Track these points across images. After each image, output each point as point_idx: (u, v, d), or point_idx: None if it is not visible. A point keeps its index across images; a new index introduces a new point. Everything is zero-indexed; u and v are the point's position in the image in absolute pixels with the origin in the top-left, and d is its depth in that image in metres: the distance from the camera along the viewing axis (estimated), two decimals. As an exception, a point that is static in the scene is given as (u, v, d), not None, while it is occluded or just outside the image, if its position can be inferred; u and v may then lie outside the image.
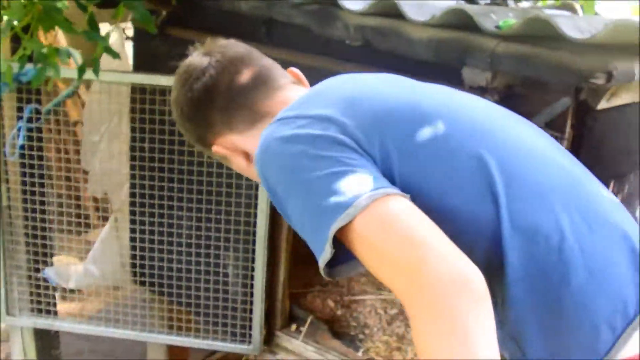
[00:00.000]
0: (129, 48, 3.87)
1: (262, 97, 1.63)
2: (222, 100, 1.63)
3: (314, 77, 3.04)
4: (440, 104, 1.46)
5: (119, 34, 3.65)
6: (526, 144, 1.43)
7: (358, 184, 1.26)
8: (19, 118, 3.36)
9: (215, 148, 1.67)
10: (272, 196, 1.39)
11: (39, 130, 3.40)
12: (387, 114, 1.39)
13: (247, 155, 1.63)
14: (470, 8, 2.53)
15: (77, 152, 4.09)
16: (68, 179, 3.60)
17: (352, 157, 1.31)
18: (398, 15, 2.66)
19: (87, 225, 3.81)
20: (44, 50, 2.70)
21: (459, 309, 1.11)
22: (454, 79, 2.51)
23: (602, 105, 2.49)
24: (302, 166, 1.31)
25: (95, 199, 3.87)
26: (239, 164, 1.67)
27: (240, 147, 1.64)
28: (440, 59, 2.56)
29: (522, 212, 1.31)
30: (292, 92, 1.65)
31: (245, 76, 1.64)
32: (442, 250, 1.17)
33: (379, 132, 1.36)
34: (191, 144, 1.81)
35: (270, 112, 1.58)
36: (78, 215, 3.70)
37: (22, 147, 3.37)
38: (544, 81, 2.49)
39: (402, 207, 1.24)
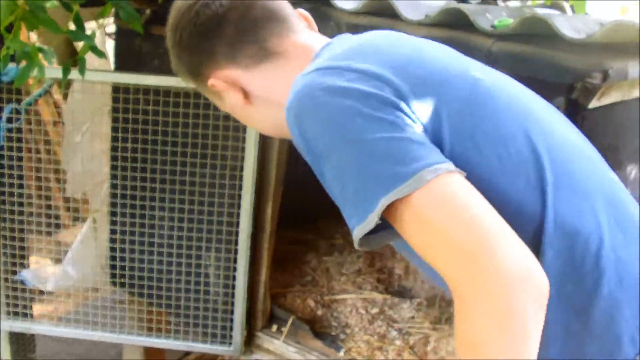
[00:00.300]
0: (109, 46, 3.82)
1: (274, 35, 1.52)
2: (231, 31, 1.51)
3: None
4: (494, 82, 1.41)
5: (100, 32, 3.60)
6: (571, 139, 1.41)
7: (417, 153, 1.19)
8: (-2, 118, 3.30)
9: (212, 81, 1.55)
10: (306, 150, 1.30)
11: (19, 130, 3.35)
12: (441, 84, 1.33)
13: (245, 94, 1.55)
14: (465, 7, 2.52)
15: (48, 151, 4.04)
16: (39, 179, 3.55)
17: (408, 124, 1.24)
18: (392, 14, 2.65)
19: (57, 226, 3.74)
20: (27, 50, 2.65)
21: (523, 307, 1.08)
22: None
23: (593, 104, 2.51)
24: (353, 124, 1.23)
25: (66, 199, 3.80)
26: (234, 103, 1.57)
27: (240, 83, 1.54)
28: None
29: (568, 211, 1.29)
30: (308, 36, 1.57)
31: (259, 10, 1.52)
32: (509, 240, 1.12)
33: (434, 102, 1.30)
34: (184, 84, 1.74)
35: (281, 53, 1.51)
36: (48, 216, 3.64)
37: (1, 147, 3.32)
38: (539, 80, 2.49)
39: (466, 187, 1.19)
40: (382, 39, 1.48)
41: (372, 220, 1.20)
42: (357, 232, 1.23)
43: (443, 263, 1.15)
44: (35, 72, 2.64)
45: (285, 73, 1.50)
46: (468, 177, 1.21)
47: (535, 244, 1.27)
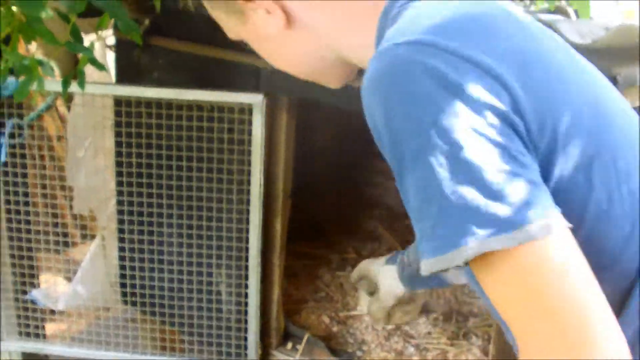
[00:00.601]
0: (110, 58, 3.79)
1: None
2: None
3: (302, 87, 2.97)
4: (612, 101, 1.21)
5: (100, 44, 3.58)
6: None
7: (528, 196, 0.99)
8: (0, 134, 3.27)
9: None
10: (388, 141, 1.07)
11: (22, 146, 3.32)
12: (563, 98, 1.10)
13: (288, 20, 1.31)
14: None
15: (54, 167, 4.02)
16: (45, 195, 3.51)
17: (521, 151, 1.03)
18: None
19: (66, 244, 3.70)
20: (26, 63, 2.62)
21: None
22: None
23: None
24: (461, 136, 1.00)
25: (74, 216, 3.78)
26: (268, 27, 1.33)
27: (287, 5, 1.30)
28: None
29: None
30: None
31: None
32: (609, 323, 0.97)
33: (552, 121, 1.07)
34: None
35: None
36: (57, 234, 3.59)
37: (4, 164, 3.29)
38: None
39: (574, 251, 1.00)
40: (496, 12, 1.17)
41: (453, 260, 1.01)
42: (430, 265, 1.04)
43: (525, 328, 1.00)
44: (35, 85, 2.62)
45: (349, 10, 1.30)
46: (569, 215, 1.03)
47: (623, 298, 1.14)
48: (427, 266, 1.05)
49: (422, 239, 1.06)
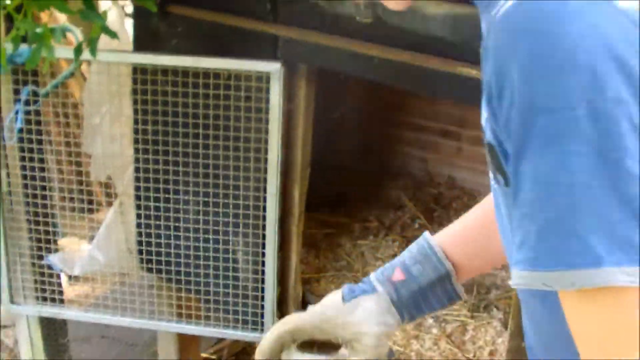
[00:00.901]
0: (129, 26, 3.74)
1: None
2: None
3: (321, 56, 2.92)
4: None
5: (118, 12, 3.52)
6: None
7: None
8: (16, 101, 3.24)
9: None
10: (517, 109, 0.87)
11: (37, 112, 3.29)
12: None
13: None
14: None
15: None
16: (70, 160, 3.49)
17: None
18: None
19: (91, 208, 3.69)
20: (39, 30, 2.57)
21: None
22: (470, 57, 2.37)
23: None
24: (623, 131, 0.82)
25: (100, 183, 3.75)
26: None
27: None
28: (457, 36, 2.42)
29: None
30: None
31: None
32: None
33: None
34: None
35: None
36: (82, 199, 3.58)
37: (20, 130, 3.26)
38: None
39: None
40: None
41: (560, 280, 0.86)
42: (523, 279, 0.91)
43: None
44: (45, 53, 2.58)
45: None
46: None
47: None
48: (520, 279, 0.92)
49: (524, 242, 0.90)
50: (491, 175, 1.08)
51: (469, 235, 1.58)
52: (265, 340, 1.51)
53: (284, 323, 1.52)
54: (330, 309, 1.51)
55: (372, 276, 1.55)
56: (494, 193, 1.17)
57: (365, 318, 1.47)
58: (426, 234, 1.58)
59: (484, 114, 1.02)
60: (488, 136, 1.00)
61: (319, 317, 1.50)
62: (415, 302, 1.52)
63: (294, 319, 1.52)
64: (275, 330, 1.51)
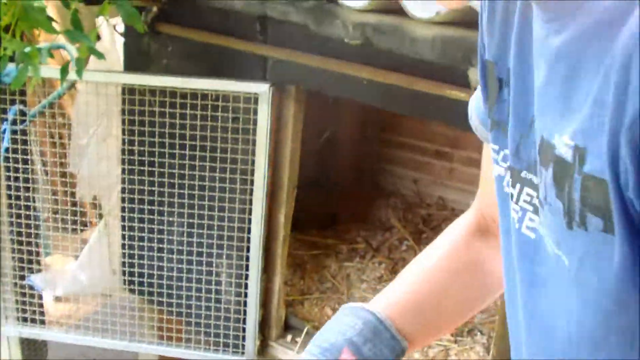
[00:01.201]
0: (120, 45, 3.74)
1: None
2: None
3: (310, 77, 2.93)
4: None
5: (110, 31, 3.52)
6: None
7: None
8: (3, 120, 3.23)
9: None
10: None
11: (24, 132, 3.29)
12: None
13: None
14: (478, 4, 2.40)
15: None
16: (64, 175, 3.49)
17: None
18: (400, 11, 2.53)
19: (84, 225, 3.67)
20: (27, 50, 2.58)
21: None
22: (459, 81, 2.39)
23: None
24: None
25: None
26: None
27: None
28: (445, 59, 2.43)
29: None
30: None
31: None
32: None
33: None
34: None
35: None
36: (74, 214, 3.55)
37: (6, 150, 3.25)
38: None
39: None
40: None
41: None
42: None
43: None
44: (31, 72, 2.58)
45: None
46: None
47: None
48: None
49: None
50: (551, 220, 0.90)
51: (421, 303, 1.35)
52: None
53: None
54: None
55: (310, 356, 1.26)
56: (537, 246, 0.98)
57: None
58: (369, 306, 1.31)
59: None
60: (596, 169, 0.79)
61: None
62: None
63: None
64: None
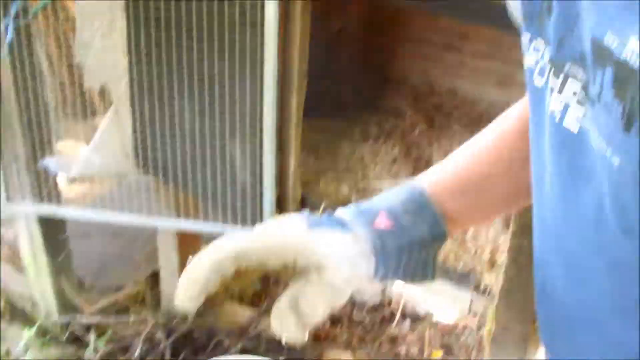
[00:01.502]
0: None
1: None
2: None
3: None
4: None
5: None
6: None
7: None
8: (6, 15, 3.16)
9: None
10: None
11: (28, 25, 3.22)
12: None
13: None
14: None
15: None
16: (71, 67, 3.42)
17: None
18: None
19: (93, 112, 3.63)
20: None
21: None
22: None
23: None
24: None
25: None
26: None
27: None
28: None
29: None
30: None
31: None
32: None
33: None
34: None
35: None
36: (83, 102, 3.52)
37: (10, 43, 3.19)
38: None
39: None
40: None
41: None
42: None
43: None
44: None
45: None
46: None
47: None
48: None
49: None
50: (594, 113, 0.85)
51: (469, 183, 1.26)
52: (196, 270, 1.06)
53: (219, 247, 1.08)
54: (292, 231, 1.12)
55: (344, 213, 1.16)
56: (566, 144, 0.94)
57: (333, 253, 1.10)
58: (416, 181, 1.22)
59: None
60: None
61: (279, 239, 1.11)
62: (398, 259, 1.16)
63: (237, 242, 1.09)
64: (209, 256, 1.07)
